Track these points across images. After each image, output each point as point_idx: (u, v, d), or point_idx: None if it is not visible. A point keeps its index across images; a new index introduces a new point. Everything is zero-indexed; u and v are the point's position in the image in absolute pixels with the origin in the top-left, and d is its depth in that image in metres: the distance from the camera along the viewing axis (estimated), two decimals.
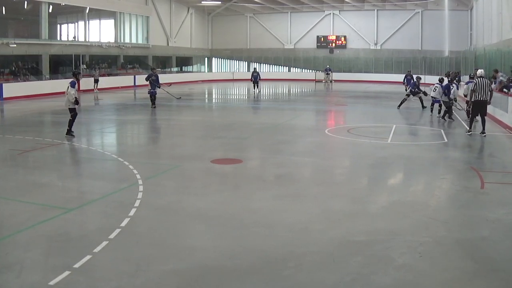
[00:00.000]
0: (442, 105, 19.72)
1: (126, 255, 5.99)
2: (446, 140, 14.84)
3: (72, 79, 15.31)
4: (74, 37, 41.43)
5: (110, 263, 5.77)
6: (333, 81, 48.68)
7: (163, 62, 52.03)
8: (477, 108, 15.33)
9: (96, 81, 35.43)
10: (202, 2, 52.44)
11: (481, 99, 15.11)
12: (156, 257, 5.93)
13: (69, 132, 15.03)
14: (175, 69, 52.84)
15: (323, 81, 48.74)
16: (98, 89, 35.25)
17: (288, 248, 6.21)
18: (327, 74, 48.82)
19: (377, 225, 7.09)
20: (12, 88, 29.81)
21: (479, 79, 15.16)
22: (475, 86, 15.11)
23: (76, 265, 5.59)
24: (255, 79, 35.50)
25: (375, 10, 52.11)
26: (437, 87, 19.88)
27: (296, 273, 5.51)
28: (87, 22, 40.29)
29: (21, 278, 5.34)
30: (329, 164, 11.84)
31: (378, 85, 42.90)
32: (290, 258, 5.90)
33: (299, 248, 6.21)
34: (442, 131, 16.55)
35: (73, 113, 15.13)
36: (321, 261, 5.83)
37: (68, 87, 15.04)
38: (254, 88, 35.60)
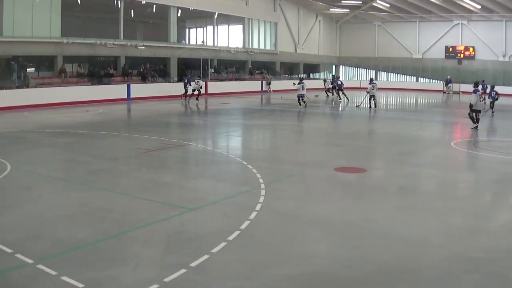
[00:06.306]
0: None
1: (243, 258, 5.96)
2: None
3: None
4: (203, 41, 42.95)
5: (226, 264, 5.76)
6: (453, 93, 45.58)
7: (290, 69, 52.44)
8: None
9: (269, 83, 41.80)
10: (331, 9, 52.20)
11: None
12: (272, 261, 5.86)
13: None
14: (302, 75, 53.03)
15: (446, 92, 46.48)
16: (269, 91, 41.41)
17: (404, 261, 5.98)
18: (448, 85, 46.49)
19: (498, 242, 6.62)
20: (139, 89, 31.49)
21: None
22: None
23: (193, 264, 5.63)
24: (340, 86, 33.47)
25: (504, 21, 48.73)
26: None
27: (411, 287, 5.31)
28: (216, 27, 41.59)
29: (137, 272, 5.46)
30: (453, 177, 11.15)
31: (505, 98, 39.77)
32: (406, 271, 5.70)
33: (415, 262, 5.96)
34: None
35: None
36: (437, 277, 5.52)
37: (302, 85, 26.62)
38: (338, 96, 33.48)
